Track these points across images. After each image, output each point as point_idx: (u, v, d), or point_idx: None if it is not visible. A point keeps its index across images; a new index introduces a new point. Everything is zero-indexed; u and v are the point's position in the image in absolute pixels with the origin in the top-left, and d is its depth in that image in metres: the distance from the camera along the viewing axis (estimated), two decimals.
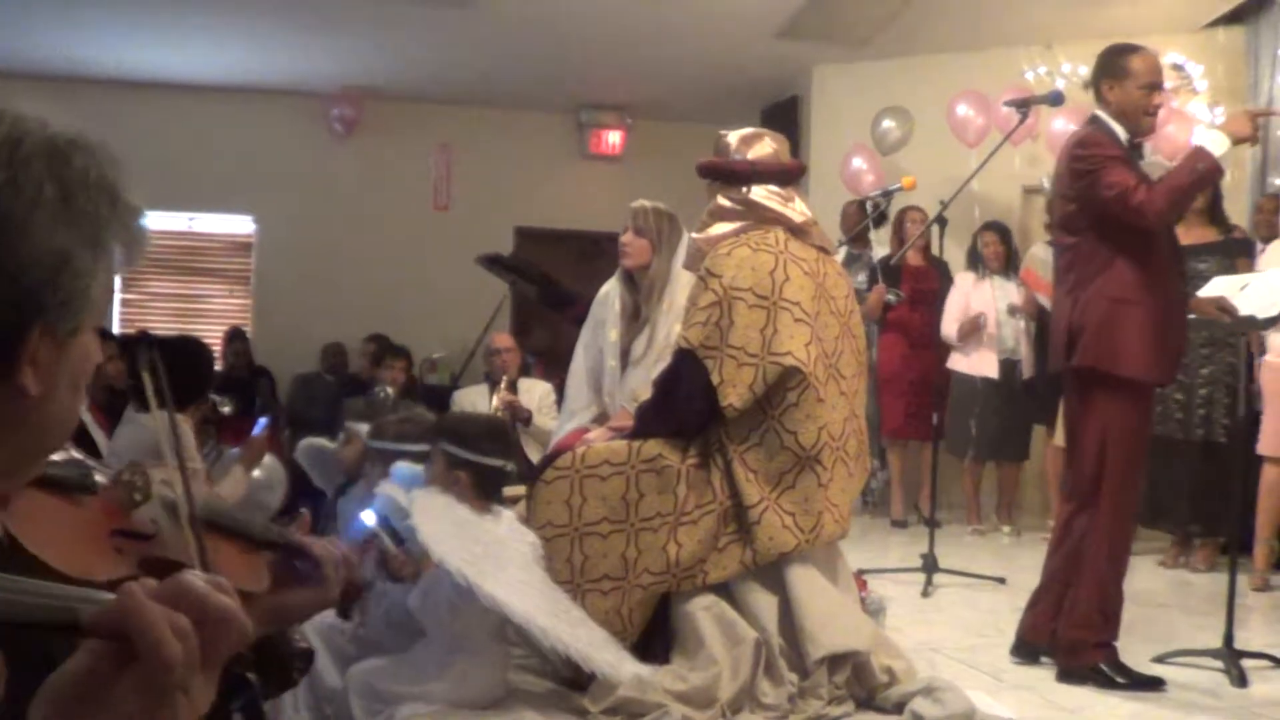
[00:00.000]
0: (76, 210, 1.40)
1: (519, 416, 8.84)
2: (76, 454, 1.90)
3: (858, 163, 12.00)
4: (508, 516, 5.06)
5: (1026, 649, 6.08)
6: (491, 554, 4.63)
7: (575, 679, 5.00)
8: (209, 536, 1.99)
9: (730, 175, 5.52)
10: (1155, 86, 5.82)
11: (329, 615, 5.29)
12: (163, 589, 1.13)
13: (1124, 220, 5.62)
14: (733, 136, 5.63)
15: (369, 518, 4.79)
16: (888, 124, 11.97)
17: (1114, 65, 5.87)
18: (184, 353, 6.20)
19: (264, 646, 1.30)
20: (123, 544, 1.83)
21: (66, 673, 1.11)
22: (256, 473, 6.99)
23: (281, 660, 1.31)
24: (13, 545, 1.53)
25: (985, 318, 10.27)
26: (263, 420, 7.31)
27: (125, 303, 14.27)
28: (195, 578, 1.14)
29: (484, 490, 5.04)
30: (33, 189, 1.36)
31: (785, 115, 12.86)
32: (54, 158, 1.39)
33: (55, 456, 1.79)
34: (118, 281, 13.67)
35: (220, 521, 2.10)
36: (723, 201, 5.50)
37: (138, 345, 2.11)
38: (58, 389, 1.45)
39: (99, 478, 1.87)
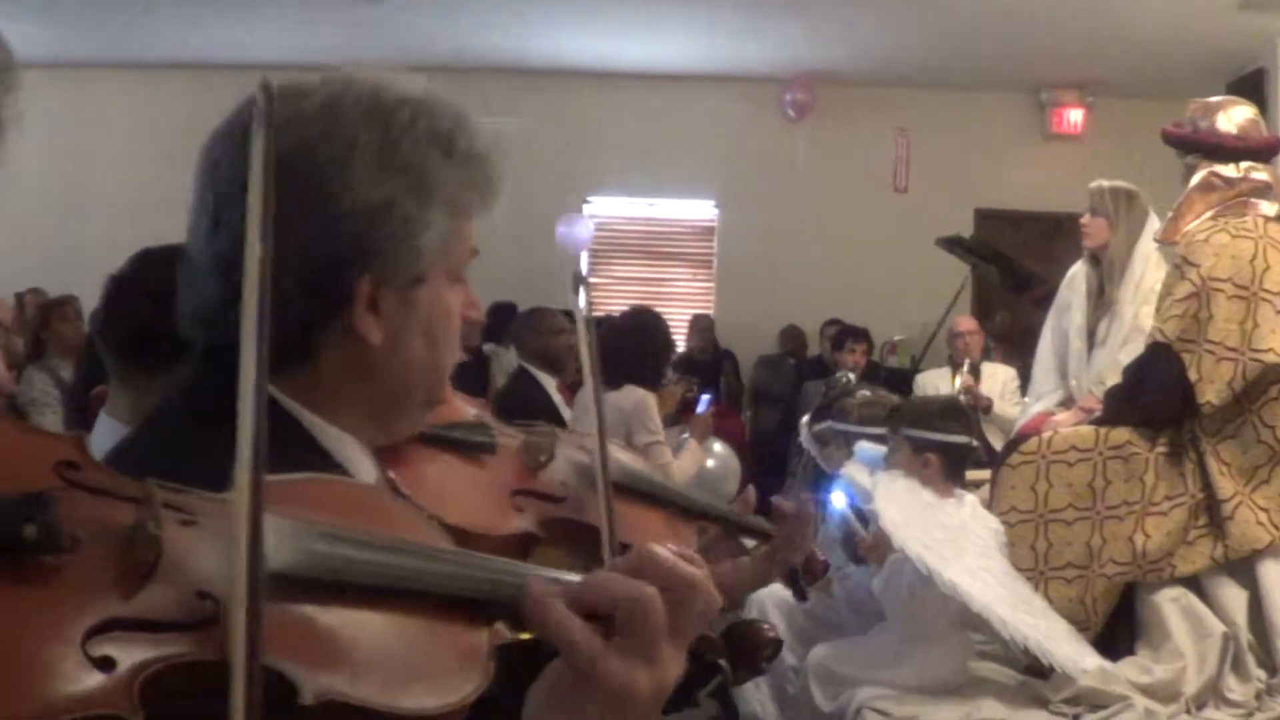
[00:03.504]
0: (398, 161, 1.43)
1: (979, 404, 8.75)
2: (484, 416, 1.97)
3: None
4: (970, 501, 5.04)
5: None
6: (952, 539, 4.63)
7: (1037, 667, 4.93)
8: (629, 503, 2.00)
9: (1216, 150, 5.29)
10: None
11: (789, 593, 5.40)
12: (629, 557, 1.13)
13: None
14: (1209, 106, 5.39)
15: (839, 499, 4.84)
16: None
17: None
18: (633, 328, 6.41)
19: (734, 633, 1.33)
20: (525, 503, 1.86)
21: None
22: (710, 463, 7.14)
23: (751, 647, 1.33)
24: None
25: None
26: (706, 398, 7.47)
27: (592, 286, 14.68)
28: (662, 547, 1.12)
29: (951, 470, 5.02)
30: (348, 139, 1.42)
31: (1251, 88, 12.18)
32: (376, 110, 1.45)
33: (464, 418, 1.86)
34: (583, 265, 14.26)
35: (644, 489, 2.13)
36: (1213, 179, 5.25)
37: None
38: (407, 339, 1.49)
39: (504, 439, 1.92)
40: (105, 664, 0.87)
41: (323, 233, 1.40)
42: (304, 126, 1.42)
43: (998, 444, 7.70)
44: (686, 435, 6.85)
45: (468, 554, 1.17)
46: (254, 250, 1.01)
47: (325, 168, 1.40)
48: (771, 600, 5.21)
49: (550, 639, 1.07)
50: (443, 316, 1.53)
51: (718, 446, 7.63)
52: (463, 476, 1.80)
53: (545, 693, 1.11)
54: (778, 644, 1.34)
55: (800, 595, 2.63)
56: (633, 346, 6.25)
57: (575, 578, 1.12)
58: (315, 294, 1.41)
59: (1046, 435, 5.31)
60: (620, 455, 2.16)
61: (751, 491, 2.42)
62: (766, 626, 1.34)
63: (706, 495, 2.39)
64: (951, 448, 5.04)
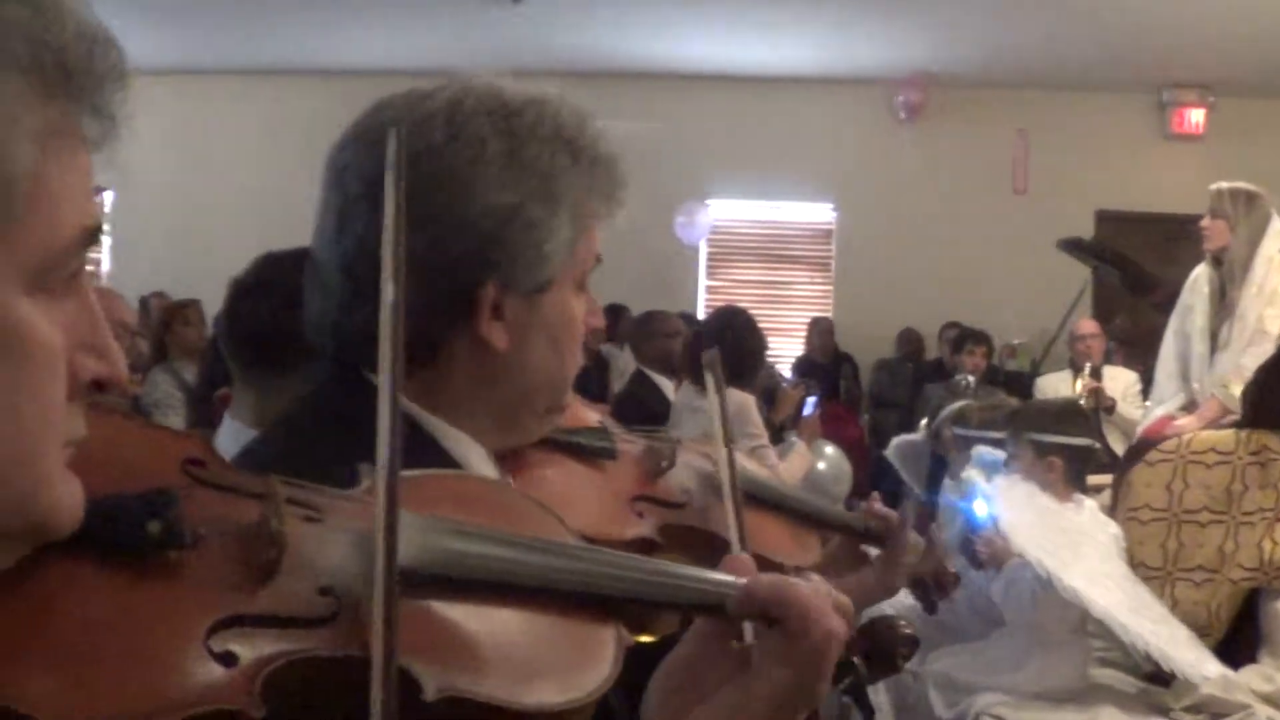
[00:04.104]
0: (525, 164, 1.42)
1: (1102, 404, 8.68)
2: (607, 421, 1.96)
3: None
4: (1089, 506, 4.99)
5: None
6: (1071, 543, 4.58)
7: (1158, 674, 4.87)
8: (751, 510, 1.97)
9: None
10: None
11: (911, 599, 5.35)
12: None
13: None
14: None
15: (981, 507, 4.77)
16: None
17: None
18: (722, 329, 6.39)
19: (870, 630, 1.31)
20: (645, 509, 1.85)
21: (681, 654, 1.18)
22: (821, 465, 7.10)
23: (887, 645, 1.31)
24: None
25: None
26: (812, 400, 7.44)
27: (710, 289, 14.77)
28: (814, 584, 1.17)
29: (1074, 473, 4.97)
30: (475, 146, 1.41)
31: None
32: (499, 114, 1.43)
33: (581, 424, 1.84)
34: (701, 267, 14.28)
35: (766, 497, 2.12)
36: None
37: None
38: (532, 346, 1.48)
39: (625, 445, 1.90)
40: (227, 659, 0.88)
41: (450, 236, 1.40)
42: (430, 130, 1.42)
43: (1119, 447, 7.62)
44: (795, 439, 6.83)
45: (598, 550, 1.18)
46: (388, 293, 1.02)
47: (454, 171, 1.40)
48: (890, 605, 5.17)
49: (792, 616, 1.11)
50: (568, 323, 1.53)
51: (829, 449, 7.58)
52: (583, 482, 1.79)
53: (688, 669, 1.16)
54: (915, 642, 1.33)
55: (930, 608, 2.61)
56: (723, 349, 6.20)
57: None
58: (441, 297, 1.41)
59: (1187, 436, 5.26)
60: (742, 462, 2.14)
61: (876, 498, 2.40)
62: (903, 623, 1.32)
63: (825, 500, 2.38)
64: (1075, 450, 5.00)
